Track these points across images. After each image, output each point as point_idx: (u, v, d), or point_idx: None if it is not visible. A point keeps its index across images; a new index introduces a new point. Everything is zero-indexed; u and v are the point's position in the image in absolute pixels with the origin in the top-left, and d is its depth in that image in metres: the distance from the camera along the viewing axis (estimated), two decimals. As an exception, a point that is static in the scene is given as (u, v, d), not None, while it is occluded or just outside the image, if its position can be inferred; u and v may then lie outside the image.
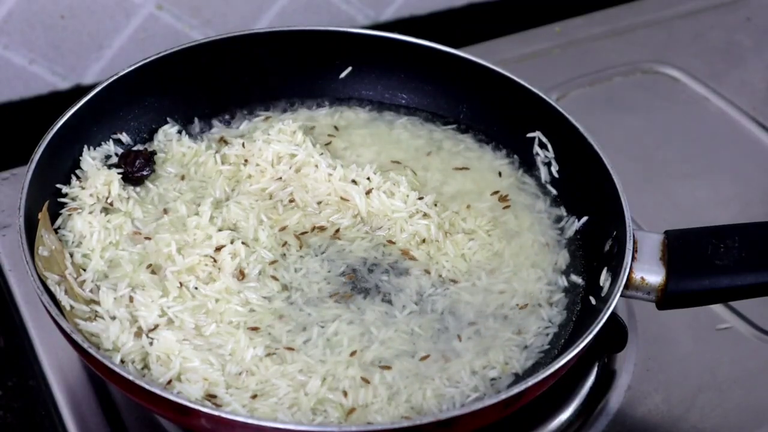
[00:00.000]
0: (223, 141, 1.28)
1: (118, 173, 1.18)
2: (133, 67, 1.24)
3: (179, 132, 1.28)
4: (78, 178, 1.18)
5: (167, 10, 1.58)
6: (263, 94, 1.34)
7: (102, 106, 1.21)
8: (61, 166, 1.17)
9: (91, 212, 1.13)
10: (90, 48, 1.57)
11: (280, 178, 1.21)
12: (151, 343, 1.02)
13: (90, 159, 1.19)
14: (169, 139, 1.26)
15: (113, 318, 1.03)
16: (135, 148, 1.24)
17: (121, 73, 1.23)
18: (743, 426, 1.16)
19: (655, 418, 1.15)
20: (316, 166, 1.21)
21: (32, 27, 1.51)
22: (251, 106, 1.33)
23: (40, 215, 1.08)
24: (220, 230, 1.13)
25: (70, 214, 1.13)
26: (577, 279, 1.16)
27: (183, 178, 1.22)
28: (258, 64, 1.33)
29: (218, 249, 1.11)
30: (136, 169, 1.20)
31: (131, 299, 1.05)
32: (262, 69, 1.33)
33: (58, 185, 1.16)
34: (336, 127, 1.32)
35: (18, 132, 1.51)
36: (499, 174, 1.28)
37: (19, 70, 1.54)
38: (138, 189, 1.20)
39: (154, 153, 1.23)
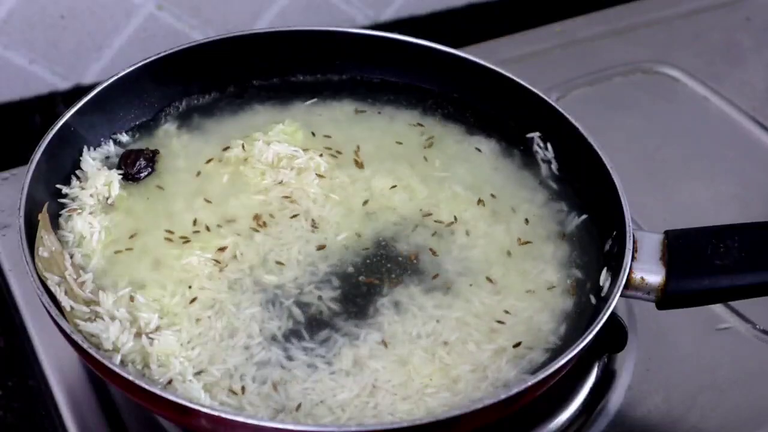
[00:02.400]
0: (223, 141, 1.28)
1: (119, 173, 1.18)
2: (133, 67, 1.24)
3: (179, 131, 1.28)
4: (78, 178, 1.18)
5: (167, 10, 1.58)
6: (264, 93, 1.34)
7: (102, 106, 1.21)
8: (61, 166, 1.17)
9: (91, 213, 1.13)
10: (90, 48, 1.57)
11: (280, 179, 1.21)
12: (151, 343, 1.02)
13: (90, 159, 1.19)
14: (169, 139, 1.26)
15: (113, 318, 1.03)
16: (135, 148, 1.24)
17: (121, 73, 1.23)
18: (743, 426, 1.16)
19: (655, 418, 1.15)
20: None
21: (32, 27, 1.51)
22: (251, 106, 1.34)
23: (39, 216, 1.08)
24: (220, 228, 1.13)
25: (70, 215, 1.13)
26: (577, 273, 1.16)
27: (183, 177, 1.22)
28: (258, 64, 1.33)
29: (219, 249, 1.11)
30: (136, 169, 1.20)
31: (131, 299, 1.05)
32: (262, 69, 1.33)
33: (58, 185, 1.16)
34: (336, 127, 1.32)
35: (18, 132, 1.52)
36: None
37: (19, 70, 1.54)
38: (138, 189, 1.20)
39: (154, 153, 1.23)
